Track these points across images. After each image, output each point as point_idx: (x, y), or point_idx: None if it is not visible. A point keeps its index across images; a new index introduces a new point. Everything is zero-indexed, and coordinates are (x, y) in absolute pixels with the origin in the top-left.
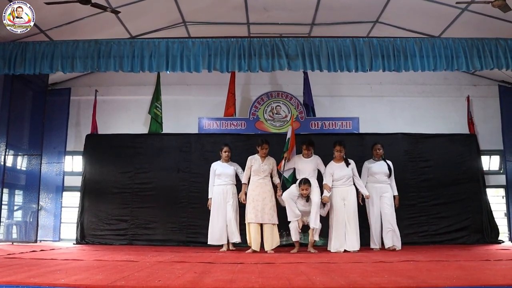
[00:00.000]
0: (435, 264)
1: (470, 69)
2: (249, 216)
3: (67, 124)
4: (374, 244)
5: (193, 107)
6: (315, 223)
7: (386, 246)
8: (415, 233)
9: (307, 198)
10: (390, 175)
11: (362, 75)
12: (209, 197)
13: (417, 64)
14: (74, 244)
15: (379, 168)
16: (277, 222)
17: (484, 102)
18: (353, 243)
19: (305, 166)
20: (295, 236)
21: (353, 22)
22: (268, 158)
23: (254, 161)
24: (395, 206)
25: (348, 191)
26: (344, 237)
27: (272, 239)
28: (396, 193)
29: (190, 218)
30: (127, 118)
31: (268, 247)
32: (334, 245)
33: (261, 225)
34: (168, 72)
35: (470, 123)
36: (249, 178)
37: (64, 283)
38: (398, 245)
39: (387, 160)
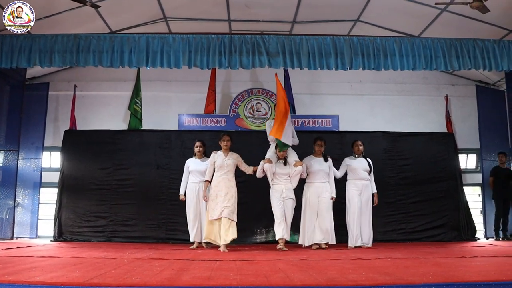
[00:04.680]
0: (412, 261)
1: (448, 69)
2: (212, 213)
3: (45, 119)
4: (352, 242)
5: (173, 103)
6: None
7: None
8: (393, 230)
9: (285, 162)
10: (370, 172)
11: (342, 74)
12: (180, 193)
13: (396, 63)
14: (51, 241)
15: (359, 164)
16: (235, 220)
17: (461, 102)
18: (326, 236)
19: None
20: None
21: (334, 21)
22: (231, 153)
23: (217, 156)
24: (373, 203)
25: (323, 188)
26: (314, 231)
27: (228, 233)
28: (375, 191)
29: (170, 215)
30: (106, 114)
31: (223, 241)
32: (308, 239)
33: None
34: (148, 67)
35: (448, 122)
36: (213, 175)
37: (40, 281)
38: (369, 242)
39: (367, 158)
